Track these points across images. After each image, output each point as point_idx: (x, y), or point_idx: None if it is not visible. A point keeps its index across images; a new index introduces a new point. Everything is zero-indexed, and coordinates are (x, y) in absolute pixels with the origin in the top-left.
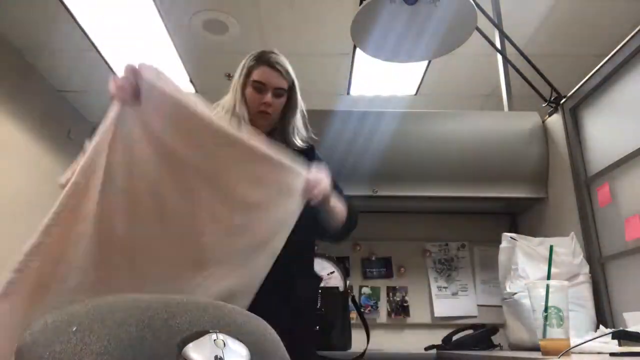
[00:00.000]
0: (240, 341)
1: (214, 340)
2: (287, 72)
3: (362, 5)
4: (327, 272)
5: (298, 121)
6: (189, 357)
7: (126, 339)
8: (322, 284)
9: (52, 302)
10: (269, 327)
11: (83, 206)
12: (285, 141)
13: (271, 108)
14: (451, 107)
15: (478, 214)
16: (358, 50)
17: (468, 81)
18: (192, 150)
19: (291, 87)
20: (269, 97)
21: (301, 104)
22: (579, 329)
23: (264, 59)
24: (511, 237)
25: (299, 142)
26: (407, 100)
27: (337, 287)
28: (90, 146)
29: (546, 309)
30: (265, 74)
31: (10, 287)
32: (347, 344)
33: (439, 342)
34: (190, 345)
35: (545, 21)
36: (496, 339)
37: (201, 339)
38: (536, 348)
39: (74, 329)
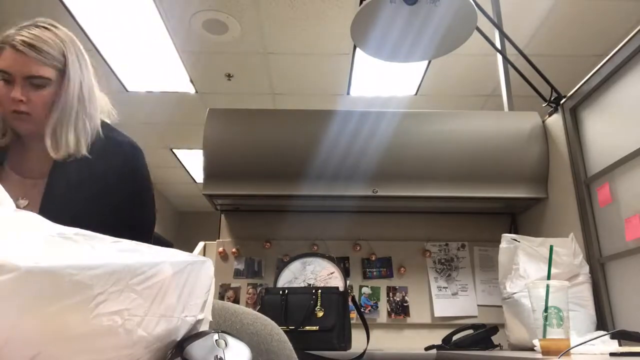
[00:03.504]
0: (246, 341)
1: (215, 340)
2: (48, 54)
3: (362, 5)
4: (327, 272)
5: (76, 123)
6: (189, 357)
7: None
8: (322, 284)
9: None
10: (276, 327)
11: None
12: (57, 148)
13: (26, 106)
14: (451, 107)
15: (478, 214)
16: (358, 50)
17: (468, 81)
18: None
19: (61, 73)
20: (18, 90)
21: (89, 95)
22: (579, 329)
23: (9, 39)
24: (512, 238)
25: (82, 150)
26: (407, 100)
27: (337, 287)
28: None
29: (546, 309)
30: (10, 59)
31: None
32: (347, 344)
33: (439, 342)
34: (191, 345)
35: (545, 21)
36: (496, 339)
37: (202, 338)
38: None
39: None
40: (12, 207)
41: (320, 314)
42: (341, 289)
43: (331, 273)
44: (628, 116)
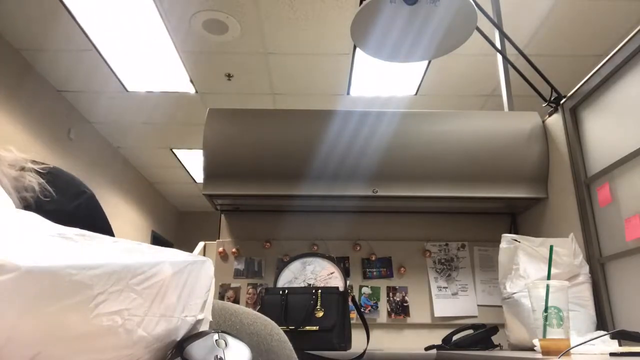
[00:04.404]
0: (246, 341)
1: (215, 340)
2: None
3: (362, 5)
4: (327, 272)
5: None
6: (189, 357)
7: None
8: (322, 284)
9: None
10: (276, 327)
11: None
12: None
13: None
14: (451, 107)
15: (478, 214)
16: (358, 50)
17: (468, 81)
18: None
19: None
20: None
21: None
22: (579, 329)
23: None
24: (512, 238)
25: None
26: (407, 100)
27: (337, 287)
28: None
29: (546, 309)
30: None
31: None
32: (347, 344)
33: (439, 342)
34: (191, 345)
35: (545, 21)
36: (496, 339)
37: (202, 338)
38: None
39: None
40: (12, 207)
41: (320, 314)
42: (341, 289)
43: (331, 273)
44: (628, 116)
